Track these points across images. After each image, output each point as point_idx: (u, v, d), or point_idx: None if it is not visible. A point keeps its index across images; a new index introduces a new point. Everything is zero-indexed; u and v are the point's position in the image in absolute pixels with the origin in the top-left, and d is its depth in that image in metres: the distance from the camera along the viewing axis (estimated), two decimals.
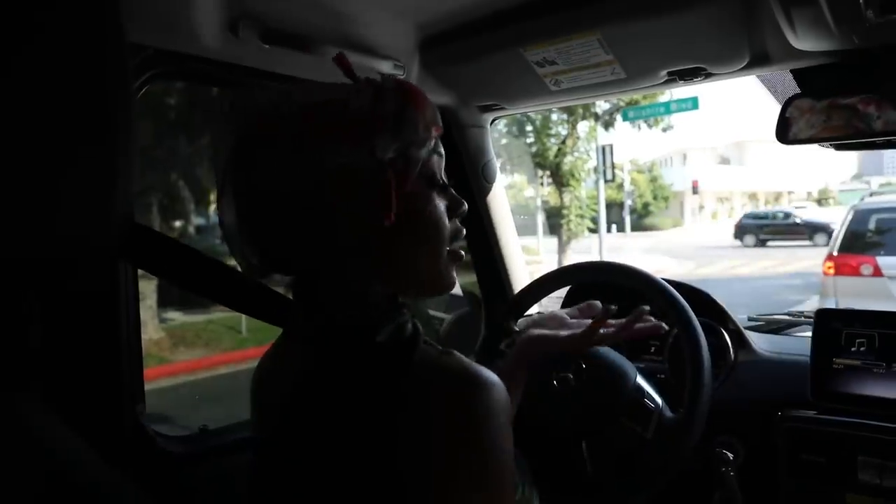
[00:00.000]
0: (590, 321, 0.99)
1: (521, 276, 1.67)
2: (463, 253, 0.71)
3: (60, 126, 0.40)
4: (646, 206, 28.11)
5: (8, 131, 0.37)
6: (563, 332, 1.01)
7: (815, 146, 1.11)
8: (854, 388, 1.14)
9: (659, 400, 1.10)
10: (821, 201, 38.05)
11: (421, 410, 0.55)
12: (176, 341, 6.72)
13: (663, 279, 1.17)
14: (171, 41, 0.97)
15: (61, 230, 0.41)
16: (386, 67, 1.20)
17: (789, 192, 40.27)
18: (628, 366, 1.14)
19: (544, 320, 1.07)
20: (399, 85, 0.63)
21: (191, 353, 6.53)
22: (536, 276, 1.35)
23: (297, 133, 0.60)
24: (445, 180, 0.69)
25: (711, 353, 1.21)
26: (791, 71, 1.15)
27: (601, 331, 0.98)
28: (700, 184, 28.96)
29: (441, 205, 0.67)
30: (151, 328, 6.46)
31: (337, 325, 0.64)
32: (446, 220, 0.67)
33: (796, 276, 11.41)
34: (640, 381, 1.11)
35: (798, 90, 1.14)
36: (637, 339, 1.01)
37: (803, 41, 1.00)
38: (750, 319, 1.52)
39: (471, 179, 1.57)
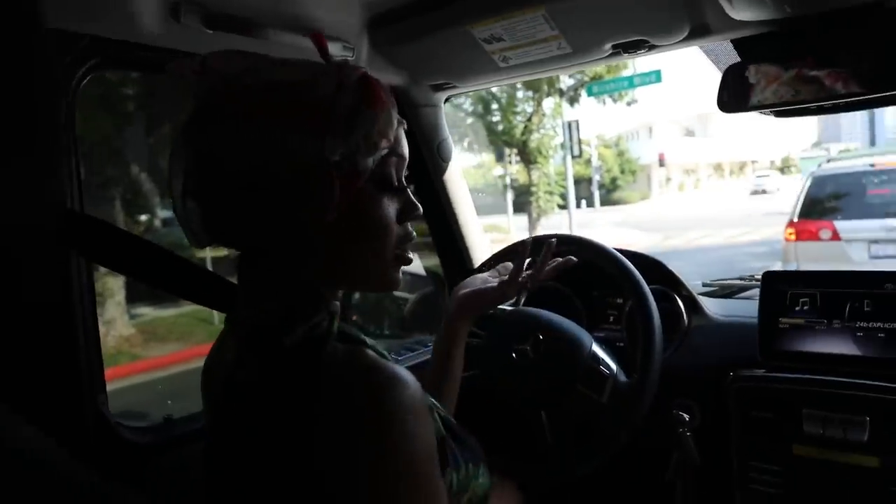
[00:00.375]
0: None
1: (482, 253, 1.69)
2: (410, 257, 0.71)
3: None
4: (614, 180, 28.38)
5: None
6: (489, 286, 1.09)
7: (755, 114, 1.14)
8: (799, 345, 1.19)
9: (613, 366, 1.13)
10: (783, 170, 38.89)
11: (331, 409, 0.56)
12: (147, 337, 6.62)
13: (616, 249, 1.20)
14: (110, 29, 0.95)
15: None
16: (335, 49, 1.19)
17: (753, 162, 41.03)
18: (584, 335, 1.17)
19: (469, 282, 1.13)
20: (360, 81, 0.62)
21: (163, 347, 6.44)
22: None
23: (253, 109, 0.60)
24: (403, 181, 0.69)
25: (665, 320, 1.25)
26: (732, 41, 1.17)
27: (520, 279, 1.07)
28: (666, 156, 29.34)
29: (391, 207, 0.67)
30: (121, 324, 6.36)
31: (256, 320, 0.64)
32: (393, 224, 0.67)
33: (762, 244, 11.67)
34: (596, 348, 1.15)
35: (738, 59, 1.17)
36: (552, 277, 1.09)
37: (739, 11, 1.02)
38: (704, 285, 1.56)
39: (426, 158, 1.57)
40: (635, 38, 1.15)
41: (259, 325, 0.64)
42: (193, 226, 0.65)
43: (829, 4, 1.02)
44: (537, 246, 1.10)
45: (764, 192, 26.85)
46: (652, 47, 1.17)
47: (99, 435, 1.00)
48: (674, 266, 1.42)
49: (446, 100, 1.57)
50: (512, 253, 1.27)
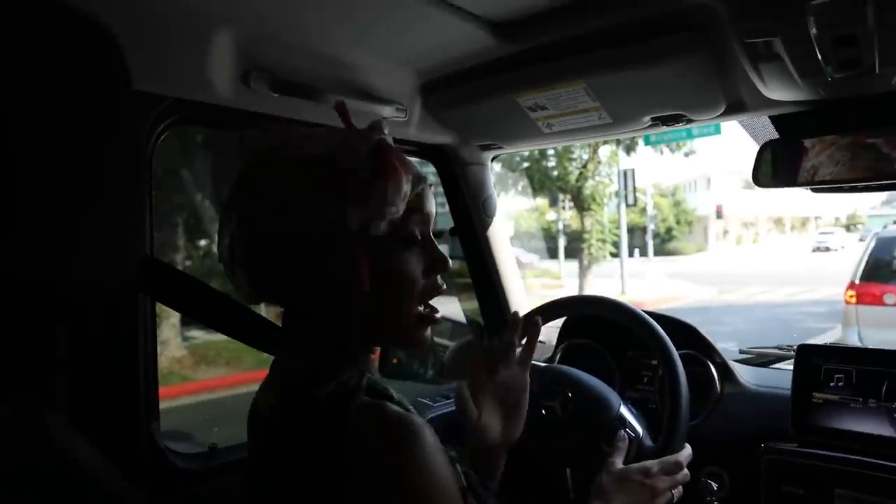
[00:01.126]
0: None
1: (521, 305, 1.74)
2: (438, 315, 0.75)
3: (74, 179, 0.48)
4: (669, 230, 27.89)
5: (27, 186, 0.45)
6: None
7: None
8: (832, 422, 1.18)
9: (640, 429, 1.15)
10: (849, 227, 37.37)
11: (356, 459, 0.61)
12: (198, 359, 6.82)
13: (646, 311, 1.23)
14: (190, 92, 1.07)
15: (77, 270, 0.49)
16: (388, 111, 1.28)
17: (816, 218, 39.63)
18: (613, 396, 1.20)
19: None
20: (377, 151, 0.67)
21: (212, 371, 6.62)
22: (536, 305, 1.41)
23: (285, 181, 0.66)
24: (431, 236, 0.74)
25: (698, 386, 1.26)
26: (769, 117, 1.21)
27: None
28: (724, 208, 28.68)
29: (415, 263, 0.71)
30: (174, 346, 6.58)
31: (293, 371, 0.71)
32: (418, 279, 0.72)
33: (820, 304, 11.23)
34: (624, 410, 1.17)
35: (776, 135, 1.21)
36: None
37: (774, 92, 1.06)
38: (741, 353, 1.56)
39: (472, 213, 1.65)
40: (673, 113, 1.20)
41: (295, 377, 0.70)
42: (240, 284, 0.71)
43: (863, 89, 1.05)
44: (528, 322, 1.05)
45: (827, 249, 25.91)
46: (689, 121, 1.22)
47: (150, 459, 1.08)
48: (728, 322, 1.43)
49: (493, 158, 1.64)
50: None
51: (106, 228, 0.50)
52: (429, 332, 0.76)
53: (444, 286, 0.76)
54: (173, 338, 6.55)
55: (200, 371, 6.63)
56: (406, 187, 0.68)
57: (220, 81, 1.05)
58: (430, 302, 0.75)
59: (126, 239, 0.50)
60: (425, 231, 0.73)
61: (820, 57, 0.89)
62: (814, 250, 26.26)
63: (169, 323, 6.28)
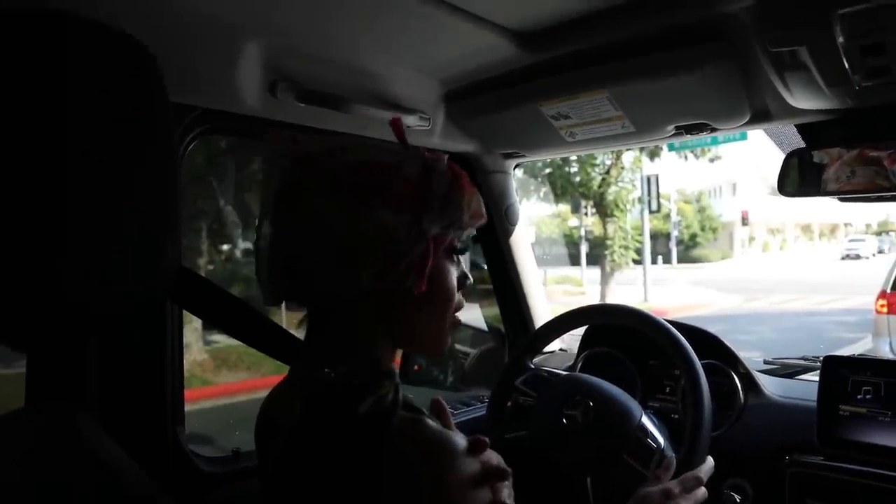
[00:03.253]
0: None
1: (543, 313, 1.74)
2: (461, 320, 0.78)
3: (114, 193, 0.49)
4: (693, 237, 27.57)
5: (71, 200, 0.46)
6: None
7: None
8: (860, 435, 1.16)
9: (661, 440, 1.14)
10: (881, 234, 36.59)
11: (396, 478, 0.61)
12: (219, 363, 6.90)
13: (668, 321, 1.22)
14: (218, 102, 1.09)
15: (116, 286, 0.50)
16: (412, 120, 1.30)
17: (846, 224, 38.87)
18: (634, 405, 1.19)
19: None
20: (450, 168, 0.71)
21: (233, 375, 6.70)
22: (557, 313, 1.41)
23: (348, 186, 0.67)
24: (461, 251, 0.76)
25: (721, 396, 1.25)
26: (796, 125, 1.20)
27: None
28: (750, 214, 28.27)
29: (454, 277, 0.75)
30: (196, 350, 6.67)
31: (325, 384, 0.69)
32: (456, 292, 0.75)
33: (851, 313, 11.00)
34: (645, 420, 1.16)
35: (802, 144, 1.19)
36: None
37: (800, 101, 1.05)
38: (765, 363, 1.54)
39: (495, 221, 1.65)
40: (697, 122, 1.19)
41: (328, 389, 0.68)
42: (273, 285, 0.72)
43: (893, 97, 1.03)
44: None
45: (857, 256, 25.42)
46: (714, 129, 1.21)
47: (175, 462, 1.10)
48: (754, 331, 1.42)
49: (516, 166, 1.65)
50: None
51: (143, 240, 0.51)
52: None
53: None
54: (195, 342, 6.64)
55: (221, 375, 6.71)
56: (478, 208, 0.72)
57: (248, 92, 1.07)
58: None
59: (162, 250, 0.52)
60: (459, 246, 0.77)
61: (847, 66, 0.89)
62: (843, 258, 25.78)
63: (191, 327, 6.36)
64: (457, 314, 0.78)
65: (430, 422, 0.66)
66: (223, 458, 1.20)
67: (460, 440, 0.65)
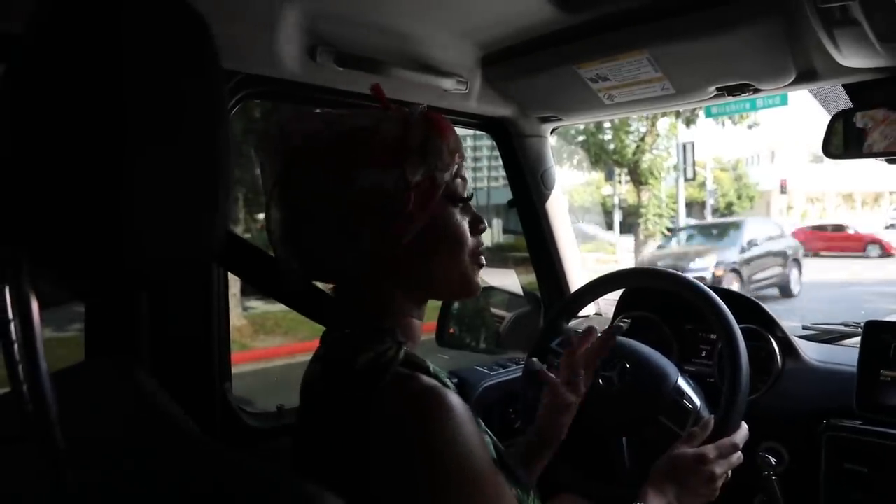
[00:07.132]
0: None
1: (578, 277, 1.74)
2: (484, 260, 0.80)
3: (170, 159, 0.51)
4: (729, 205, 26.94)
5: (127, 166, 0.48)
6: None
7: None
8: None
9: (698, 401, 1.15)
10: None
11: (382, 429, 0.63)
12: (257, 329, 7.08)
13: (708, 286, 1.22)
14: (259, 67, 1.11)
15: (171, 252, 0.52)
16: (449, 84, 1.30)
17: (891, 193, 37.55)
18: (670, 367, 1.20)
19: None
20: (424, 116, 0.73)
21: (270, 340, 6.86)
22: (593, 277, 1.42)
23: (333, 157, 0.70)
24: (467, 198, 0.78)
25: (758, 361, 1.24)
26: (843, 85, 1.16)
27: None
28: (789, 183, 27.50)
29: (463, 220, 0.77)
30: (234, 315, 6.83)
31: (337, 340, 0.74)
32: (468, 234, 0.77)
33: (892, 284, 10.72)
34: (681, 382, 1.17)
35: (850, 104, 1.16)
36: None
37: (849, 59, 1.02)
38: (804, 328, 1.52)
39: (531, 186, 1.65)
40: (740, 83, 1.17)
41: (338, 346, 0.73)
42: (291, 267, 0.75)
43: None
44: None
45: None
46: (757, 90, 1.19)
47: (223, 416, 1.15)
48: (793, 300, 1.40)
49: (552, 131, 1.64)
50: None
51: (197, 206, 0.53)
52: (479, 279, 0.80)
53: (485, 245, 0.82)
54: (234, 307, 6.80)
55: (259, 340, 6.88)
56: (457, 146, 0.74)
57: (288, 56, 1.09)
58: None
59: (214, 216, 0.54)
60: (464, 193, 0.78)
61: None
62: (887, 227, 24.96)
63: (230, 293, 6.51)
64: (480, 256, 0.80)
65: (426, 378, 0.66)
66: (267, 414, 1.25)
67: (454, 397, 0.65)
